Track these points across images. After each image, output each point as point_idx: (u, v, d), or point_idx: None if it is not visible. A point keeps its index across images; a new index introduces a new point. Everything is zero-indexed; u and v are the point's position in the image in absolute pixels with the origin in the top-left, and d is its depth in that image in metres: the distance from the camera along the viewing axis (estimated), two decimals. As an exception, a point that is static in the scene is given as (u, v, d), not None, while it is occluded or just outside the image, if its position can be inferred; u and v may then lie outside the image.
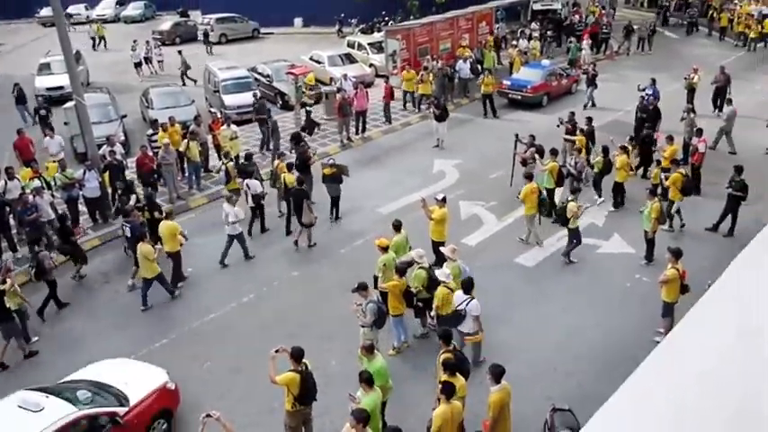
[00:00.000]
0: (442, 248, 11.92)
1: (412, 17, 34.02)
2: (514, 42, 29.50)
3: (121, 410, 8.94)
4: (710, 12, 37.62)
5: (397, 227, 12.30)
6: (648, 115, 18.85)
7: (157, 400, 9.52)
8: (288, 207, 15.53)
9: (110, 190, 16.61)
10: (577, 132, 17.59)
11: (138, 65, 31.39)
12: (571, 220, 13.54)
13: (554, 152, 15.76)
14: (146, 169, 16.75)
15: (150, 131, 18.78)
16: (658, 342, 10.78)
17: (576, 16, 35.17)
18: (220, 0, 42.16)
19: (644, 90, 20.68)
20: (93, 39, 38.73)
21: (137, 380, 9.68)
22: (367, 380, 8.21)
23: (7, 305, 11.31)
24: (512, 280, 13.26)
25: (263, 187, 15.59)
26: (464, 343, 10.46)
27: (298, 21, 42.66)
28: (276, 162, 16.40)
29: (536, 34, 31.32)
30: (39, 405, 8.37)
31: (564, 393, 10.00)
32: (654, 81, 20.90)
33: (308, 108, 21.22)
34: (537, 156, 15.77)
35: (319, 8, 39.74)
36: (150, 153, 17.21)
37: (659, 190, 14.36)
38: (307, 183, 15.47)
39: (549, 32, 31.67)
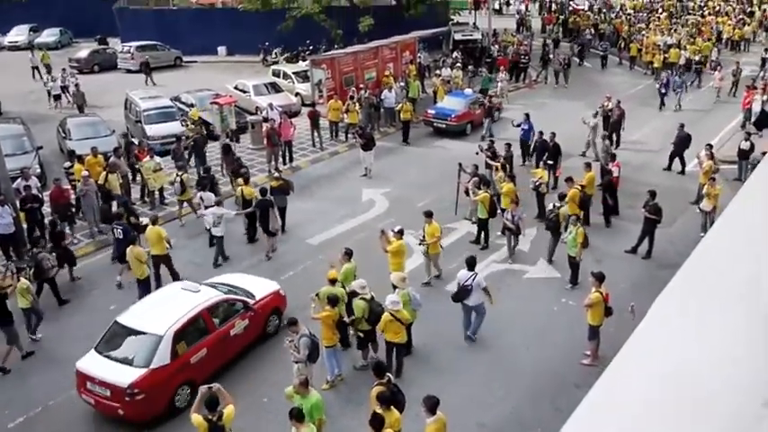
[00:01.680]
0: (391, 276, 11.91)
1: (336, 46, 34.29)
2: (438, 71, 30.17)
3: (250, 301, 12.07)
4: (620, 41, 39.64)
5: (348, 254, 12.32)
6: (549, 153, 18.98)
7: (273, 300, 12.69)
8: (248, 219, 16.06)
9: (25, 225, 15.87)
10: (496, 160, 18.03)
11: (57, 96, 29.73)
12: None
13: (486, 183, 16.07)
14: (61, 202, 16.14)
15: (67, 164, 18.12)
16: (586, 364, 11.26)
17: (496, 46, 36.35)
18: (141, 27, 41.40)
19: (519, 125, 21.05)
20: (36, 67, 35.42)
21: (257, 285, 12.92)
22: (297, 416, 8.13)
23: (20, 305, 12.24)
24: (443, 307, 13.35)
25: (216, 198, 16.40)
26: (472, 312, 12.08)
27: (221, 49, 42.24)
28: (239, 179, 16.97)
29: (458, 63, 32.08)
30: (197, 288, 11.66)
31: (497, 418, 10.15)
32: (528, 116, 21.11)
33: (189, 143, 20.30)
34: (472, 186, 16.02)
35: (243, 37, 39.52)
36: (65, 186, 16.63)
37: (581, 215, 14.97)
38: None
39: (469, 66, 32.25)
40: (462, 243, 16.19)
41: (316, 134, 23.58)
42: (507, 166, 17.45)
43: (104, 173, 17.17)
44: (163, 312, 10.94)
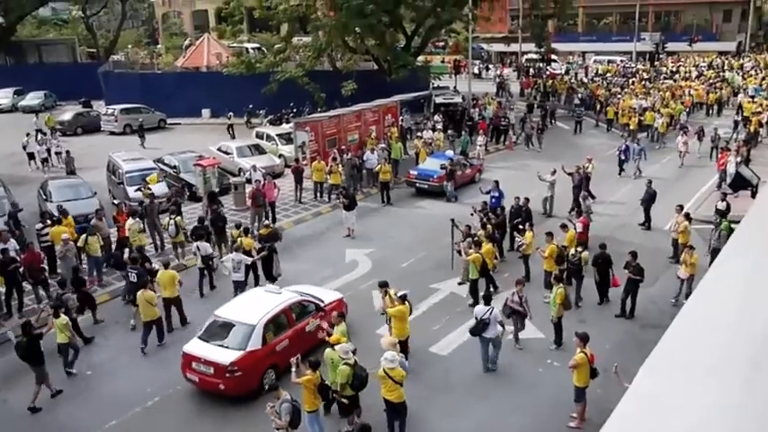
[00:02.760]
0: (382, 340, 11.77)
1: (319, 109, 34.81)
2: (419, 134, 30.65)
3: (321, 303, 14.05)
4: (596, 104, 40.57)
5: (342, 316, 12.26)
6: (522, 218, 18.83)
7: (338, 305, 14.55)
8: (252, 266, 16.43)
9: (3, 289, 15.58)
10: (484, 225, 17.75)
11: (45, 160, 29.56)
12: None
13: (477, 244, 16.02)
14: (35, 266, 16.00)
15: (39, 225, 18.02)
16: (573, 427, 11.09)
17: (476, 110, 37.12)
18: (125, 90, 41.88)
19: (488, 192, 20.78)
20: (39, 131, 34.83)
21: (325, 293, 14.96)
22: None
23: (58, 340, 12.97)
24: (427, 369, 13.22)
25: (213, 249, 17.39)
26: (489, 344, 12.95)
27: (205, 112, 42.72)
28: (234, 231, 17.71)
29: (439, 126, 32.63)
30: (279, 290, 13.92)
31: (484, 486, 9.87)
32: (497, 183, 21.07)
33: (169, 205, 20.05)
34: (464, 247, 16.06)
35: (227, 99, 40.00)
36: (38, 250, 16.61)
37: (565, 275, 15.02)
38: (224, 242, 18.21)
39: (449, 130, 32.67)
40: (444, 304, 16.11)
41: (299, 189, 24.13)
42: (490, 227, 17.51)
43: (84, 235, 17.07)
44: (253, 307, 13.07)
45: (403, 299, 12.95)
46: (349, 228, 20.72)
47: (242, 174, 25.89)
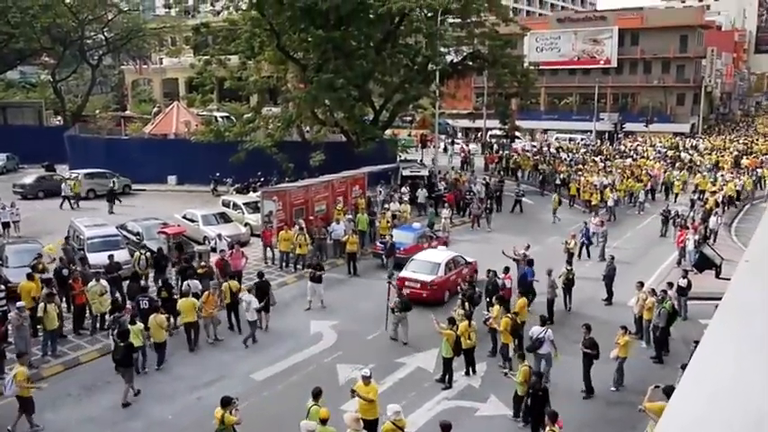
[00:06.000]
0: (345, 416, 11.42)
1: (287, 179, 34.90)
2: (386, 206, 30.86)
3: (469, 261, 22.63)
4: (541, 177, 41.69)
5: (316, 396, 11.78)
6: (489, 293, 18.81)
7: (474, 264, 22.65)
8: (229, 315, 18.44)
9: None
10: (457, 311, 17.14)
11: (6, 224, 28.58)
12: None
13: (451, 321, 15.69)
14: None
15: None
16: None
17: (443, 183, 37.69)
18: (91, 155, 41.58)
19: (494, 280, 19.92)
20: (67, 197, 34.97)
21: (467, 257, 22.77)
22: None
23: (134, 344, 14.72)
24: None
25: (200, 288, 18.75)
26: (542, 360, 14.92)
27: (171, 178, 42.48)
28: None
29: (406, 198, 32.95)
30: (445, 249, 23.52)
31: None
32: (507, 270, 20.51)
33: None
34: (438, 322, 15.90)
35: (194, 167, 39.97)
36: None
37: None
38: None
39: (416, 203, 32.80)
40: (411, 380, 15.82)
41: (269, 252, 24.62)
42: (467, 303, 17.42)
43: (43, 303, 16.51)
44: (436, 255, 21.86)
45: (369, 378, 12.51)
46: (321, 299, 20.46)
47: (207, 242, 25.58)
